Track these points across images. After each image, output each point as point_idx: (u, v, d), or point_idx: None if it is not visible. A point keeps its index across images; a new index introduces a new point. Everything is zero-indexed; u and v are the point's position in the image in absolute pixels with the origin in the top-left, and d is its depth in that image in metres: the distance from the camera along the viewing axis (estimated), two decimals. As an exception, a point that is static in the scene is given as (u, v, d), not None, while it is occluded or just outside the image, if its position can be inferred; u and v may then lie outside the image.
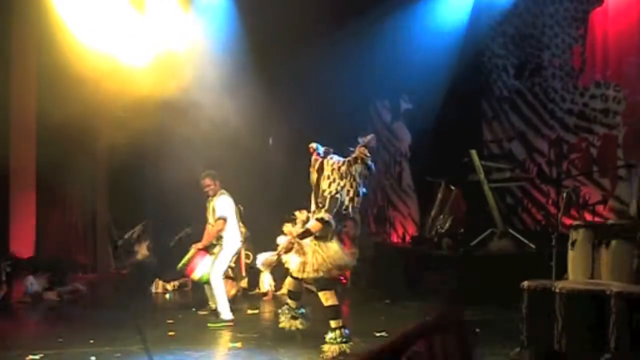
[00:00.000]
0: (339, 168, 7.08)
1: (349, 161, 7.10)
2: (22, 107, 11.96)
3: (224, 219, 9.05)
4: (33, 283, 10.97)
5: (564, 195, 8.42)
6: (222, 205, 9.12)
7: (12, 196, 11.95)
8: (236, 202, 9.37)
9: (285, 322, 7.60)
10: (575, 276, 6.52)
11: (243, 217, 9.74)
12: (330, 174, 7.10)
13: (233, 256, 9.34)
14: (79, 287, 11.40)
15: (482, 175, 10.59)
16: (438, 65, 11.34)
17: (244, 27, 11.41)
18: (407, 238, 12.29)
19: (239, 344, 7.74)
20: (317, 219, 6.99)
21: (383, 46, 11.55)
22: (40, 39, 11.62)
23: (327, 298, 7.13)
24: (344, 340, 7.05)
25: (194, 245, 9.24)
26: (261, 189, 11.81)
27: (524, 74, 11.32)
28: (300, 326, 7.59)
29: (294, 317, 7.59)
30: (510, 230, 10.52)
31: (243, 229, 9.60)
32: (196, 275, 9.15)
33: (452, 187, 11.02)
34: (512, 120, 11.53)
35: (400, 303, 10.17)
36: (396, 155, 12.92)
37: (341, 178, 7.06)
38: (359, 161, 7.06)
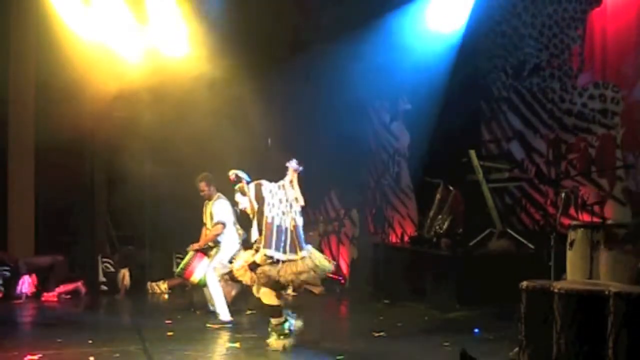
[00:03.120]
0: (277, 193, 7.16)
1: (283, 185, 7.19)
2: (20, 106, 11.96)
3: (223, 224, 9.13)
4: (24, 284, 10.96)
5: (563, 195, 8.43)
6: (220, 210, 9.20)
7: (10, 197, 11.95)
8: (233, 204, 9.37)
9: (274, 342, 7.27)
10: (574, 276, 6.52)
11: (240, 220, 9.74)
12: (270, 200, 7.14)
13: (231, 258, 9.33)
14: (78, 288, 11.39)
15: (480, 176, 10.59)
16: (437, 66, 11.33)
17: (242, 27, 11.40)
18: (406, 238, 12.27)
19: (237, 344, 7.76)
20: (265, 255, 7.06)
21: (382, 47, 11.53)
22: (39, 40, 11.63)
23: (269, 296, 7.21)
24: (285, 335, 7.18)
25: (190, 247, 9.26)
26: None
27: (522, 74, 11.31)
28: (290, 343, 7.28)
29: (283, 335, 7.26)
30: (509, 231, 10.51)
31: (240, 231, 9.61)
32: (195, 277, 9.17)
33: (451, 188, 11.01)
34: (510, 121, 11.52)
35: (399, 303, 10.18)
36: (395, 155, 12.90)
37: (280, 202, 7.14)
38: (293, 185, 7.15)
